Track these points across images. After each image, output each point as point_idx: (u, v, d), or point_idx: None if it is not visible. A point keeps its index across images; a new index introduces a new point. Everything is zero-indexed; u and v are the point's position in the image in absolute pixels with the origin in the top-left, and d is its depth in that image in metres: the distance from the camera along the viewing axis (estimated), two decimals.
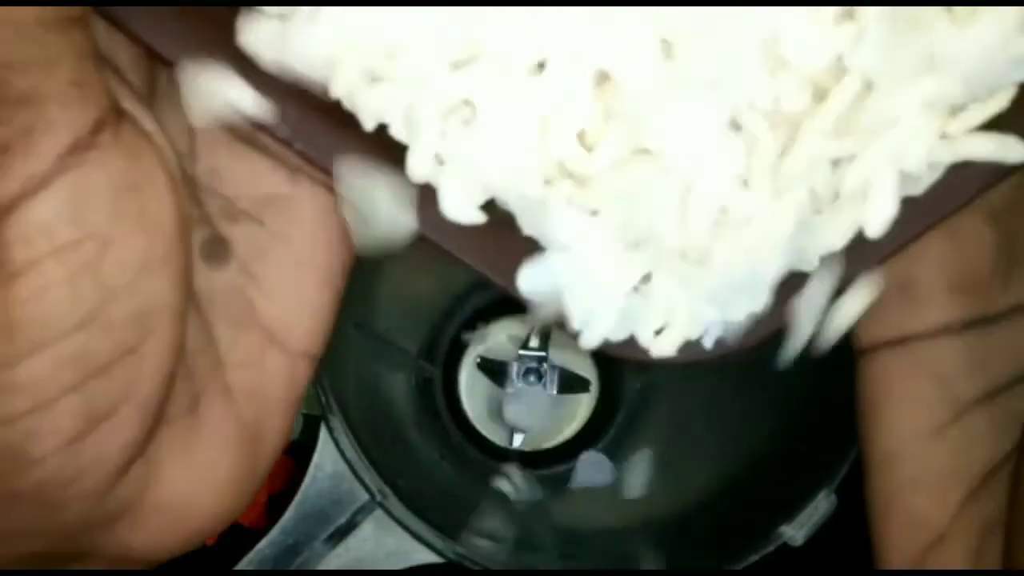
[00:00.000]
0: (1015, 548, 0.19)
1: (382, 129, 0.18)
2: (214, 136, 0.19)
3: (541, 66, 0.17)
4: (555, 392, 0.39)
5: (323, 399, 0.32)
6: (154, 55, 0.18)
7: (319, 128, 0.18)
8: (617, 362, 0.38)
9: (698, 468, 0.37)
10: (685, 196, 0.17)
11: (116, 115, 0.17)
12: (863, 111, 0.17)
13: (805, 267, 0.18)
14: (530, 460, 0.40)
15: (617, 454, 0.40)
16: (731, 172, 0.17)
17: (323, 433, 0.33)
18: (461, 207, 0.18)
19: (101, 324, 0.17)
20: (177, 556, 0.20)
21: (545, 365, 0.39)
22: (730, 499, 0.36)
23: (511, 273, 0.18)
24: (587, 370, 0.40)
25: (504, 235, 0.18)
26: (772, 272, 0.18)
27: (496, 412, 0.40)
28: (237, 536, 0.34)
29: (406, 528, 0.33)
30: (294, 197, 0.20)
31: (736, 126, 0.17)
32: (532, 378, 0.39)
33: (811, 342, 0.18)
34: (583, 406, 0.41)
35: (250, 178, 0.20)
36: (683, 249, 0.18)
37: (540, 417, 0.40)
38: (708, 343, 0.19)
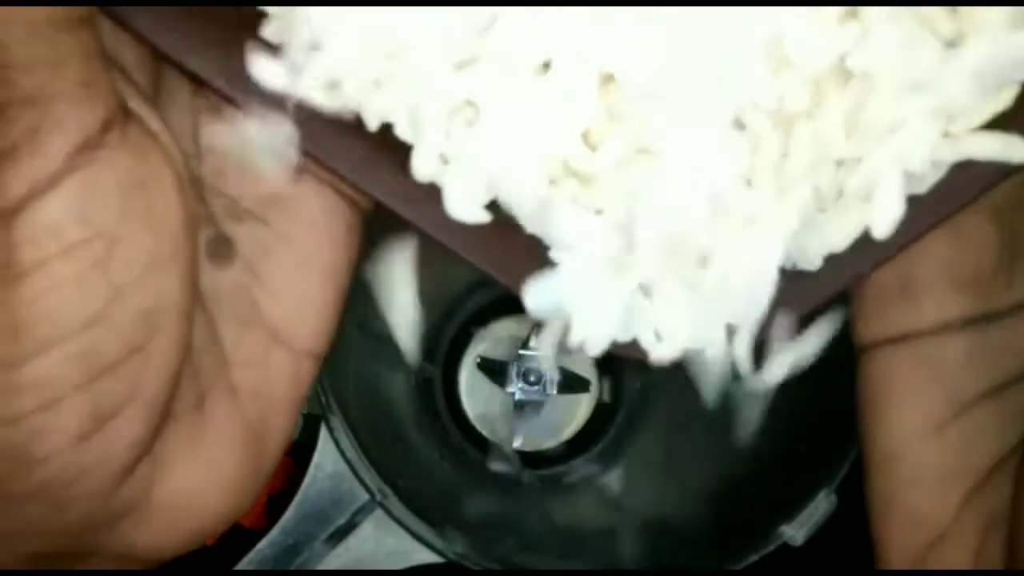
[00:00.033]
0: (1019, 546, 0.19)
1: (386, 128, 0.18)
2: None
3: (545, 66, 0.17)
4: (555, 392, 0.39)
5: (323, 399, 0.32)
6: (160, 54, 0.18)
7: (323, 128, 0.18)
8: (617, 362, 0.38)
9: (698, 468, 0.37)
10: (689, 195, 0.17)
11: (124, 114, 0.17)
12: (866, 110, 0.17)
13: (806, 266, 0.18)
14: (530, 460, 0.40)
15: (617, 454, 0.40)
16: (735, 171, 0.17)
17: (323, 433, 0.33)
18: (466, 206, 0.18)
19: (108, 323, 0.17)
20: (178, 556, 0.20)
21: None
22: (730, 499, 0.36)
23: (515, 272, 0.18)
24: (587, 370, 0.40)
25: (508, 234, 0.18)
26: (775, 272, 0.18)
27: (496, 412, 0.40)
28: (237, 536, 0.34)
29: (406, 528, 0.33)
30: (298, 196, 0.19)
31: (740, 125, 0.17)
32: (532, 378, 0.39)
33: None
34: (583, 406, 0.41)
35: (254, 178, 0.20)
36: (686, 248, 0.18)
37: (548, 428, 0.40)
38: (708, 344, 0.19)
